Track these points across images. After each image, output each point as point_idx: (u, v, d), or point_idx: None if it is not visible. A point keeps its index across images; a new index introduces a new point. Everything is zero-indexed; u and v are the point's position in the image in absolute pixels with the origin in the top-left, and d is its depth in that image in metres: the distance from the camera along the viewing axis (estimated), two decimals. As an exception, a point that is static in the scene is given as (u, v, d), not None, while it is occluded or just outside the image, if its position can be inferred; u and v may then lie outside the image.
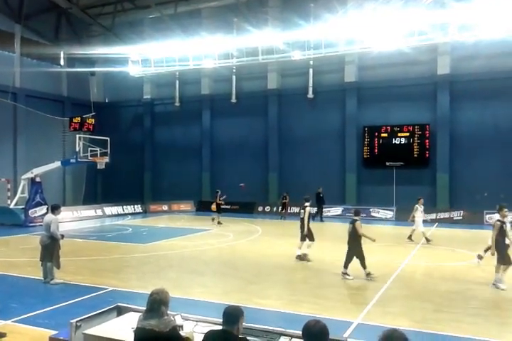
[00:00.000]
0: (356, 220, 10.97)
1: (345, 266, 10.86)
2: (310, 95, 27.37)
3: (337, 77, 27.08)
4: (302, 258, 12.94)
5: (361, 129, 26.09)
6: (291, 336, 4.29)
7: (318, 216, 23.65)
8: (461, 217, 23.20)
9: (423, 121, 24.83)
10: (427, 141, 24.61)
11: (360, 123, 26.21)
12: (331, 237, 17.69)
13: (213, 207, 22.84)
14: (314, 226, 21.85)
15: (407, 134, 25.00)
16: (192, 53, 27.14)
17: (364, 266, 10.70)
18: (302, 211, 13.17)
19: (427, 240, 16.28)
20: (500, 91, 23.16)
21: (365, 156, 26.05)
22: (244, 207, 27.95)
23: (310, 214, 13.29)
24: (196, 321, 4.76)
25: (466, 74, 23.76)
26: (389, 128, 25.42)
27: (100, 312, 4.88)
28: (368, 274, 10.62)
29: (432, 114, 24.84)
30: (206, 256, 13.94)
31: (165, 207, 29.44)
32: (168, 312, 4.08)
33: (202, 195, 30.51)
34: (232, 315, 3.77)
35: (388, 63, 25.25)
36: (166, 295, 4.05)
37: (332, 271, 11.55)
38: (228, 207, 28.14)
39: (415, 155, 24.89)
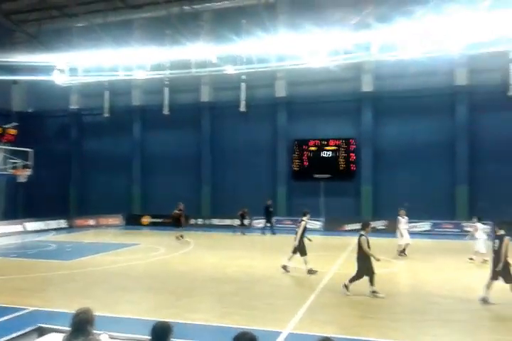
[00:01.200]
0: (362, 235, 10.69)
1: (351, 281, 10.56)
2: (242, 109, 27.77)
3: (268, 91, 27.75)
4: (312, 272, 12.73)
5: (291, 143, 26.84)
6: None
7: (267, 229, 23.90)
8: (384, 227, 24.41)
9: (348, 136, 26.02)
10: (352, 154, 25.80)
11: (290, 136, 26.95)
12: (261, 248, 17.93)
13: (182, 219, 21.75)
14: (264, 239, 22.43)
15: (334, 148, 26.07)
16: (123, 63, 26.59)
17: (371, 283, 10.35)
18: (298, 224, 13.34)
19: (401, 252, 16.14)
20: (419, 108, 24.86)
21: (295, 169, 26.77)
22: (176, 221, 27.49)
23: (305, 228, 13.14)
24: (123, 339, 4.65)
25: (388, 92, 25.30)
26: (317, 142, 26.37)
27: (20, 335, 4.63)
28: (373, 292, 10.27)
29: (357, 128, 26.14)
30: (135, 271, 13.58)
31: (92, 222, 28.28)
32: (94, 331, 3.96)
33: (131, 209, 29.73)
34: (161, 331, 3.72)
35: (316, 80, 26.26)
36: (92, 314, 3.94)
37: (263, 282, 11.71)
38: (160, 220, 27.67)
39: (341, 168, 25.96)
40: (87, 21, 28.11)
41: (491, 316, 8.88)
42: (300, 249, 12.82)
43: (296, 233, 13.16)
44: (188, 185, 28.70)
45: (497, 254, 9.61)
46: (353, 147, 25.82)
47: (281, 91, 27.43)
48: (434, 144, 24.79)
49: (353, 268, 13.73)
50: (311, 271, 12.76)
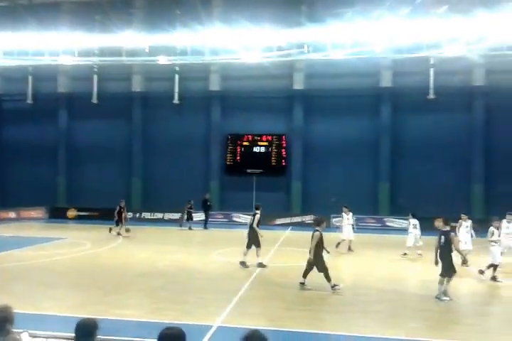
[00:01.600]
0: (316, 230, 10.65)
1: (304, 276, 10.60)
2: (176, 101, 27.35)
3: (202, 84, 27.53)
4: (262, 265, 12.96)
5: (225, 137, 26.89)
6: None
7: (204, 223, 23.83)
8: (312, 221, 25.23)
9: (280, 132, 26.55)
10: (283, 150, 26.37)
11: (224, 131, 26.98)
12: (193, 243, 17.90)
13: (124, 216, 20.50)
14: (196, 234, 22.22)
15: (266, 143, 26.50)
16: (48, 48, 25.17)
17: (328, 279, 10.32)
18: (252, 218, 13.32)
19: (345, 247, 16.58)
20: (347, 107, 25.87)
21: (228, 163, 26.88)
22: (104, 214, 26.52)
23: (259, 221, 13.20)
24: (46, 338, 4.49)
25: (318, 90, 26.04)
26: (250, 137, 26.65)
27: None
28: (333, 286, 10.27)
29: (288, 125, 26.72)
30: (60, 266, 13.03)
31: (12, 215, 26.64)
32: (14, 330, 3.80)
33: (56, 201, 28.34)
34: (85, 328, 3.58)
35: (250, 75, 26.44)
36: (10, 312, 3.76)
37: (194, 276, 11.73)
38: (87, 213, 26.67)
39: (273, 164, 26.46)
40: (9, 1, 26.28)
41: (410, 306, 9.52)
42: (255, 242, 13.03)
43: (250, 227, 13.24)
44: (118, 177, 27.86)
45: (442, 250, 9.84)
46: (284, 143, 26.37)
47: (215, 84, 27.34)
48: (360, 142, 25.95)
49: (283, 261, 14.20)
50: (244, 264, 12.99)
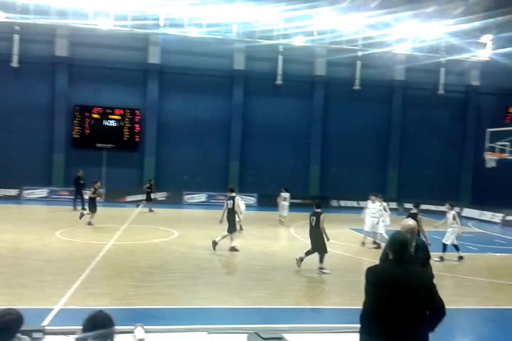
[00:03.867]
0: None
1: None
2: (15, 64, 24.44)
3: (47, 48, 25.00)
4: (235, 249, 12.48)
5: (72, 108, 25.00)
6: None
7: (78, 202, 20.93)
8: (165, 198, 25.22)
9: (134, 106, 25.68)
10: (137, 125, 25.61)
11: (71, 101, 25.04)
12: (32, 222, 16.55)
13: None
14: (37, 211, 20.18)
15: (119, 117, 25.42)
16: None
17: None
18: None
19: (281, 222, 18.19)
20: (202, 86, 26.10)
21: (75, 136, 25.13)
22: None
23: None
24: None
25: (175, 67, 25.71)
26: (101, 109, 25.25)
27: None
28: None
29: (143, 100, 25.97)
30: None
31: None
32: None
33: None
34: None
35: (103, 44, 24.84)
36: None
37: (31, 258, 10.93)
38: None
39: (125, 139, 25.57)
40: None
41: (253, 277, 10.28)
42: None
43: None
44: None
45: (313, 230, 10.66)
46: (138, 118, 25.61)
47: (62, 50, 25.04)
48: (213, 121, 26.55)
49: (133, 238, 14.01)
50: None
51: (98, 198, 17.02)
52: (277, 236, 15.85)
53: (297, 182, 25.73)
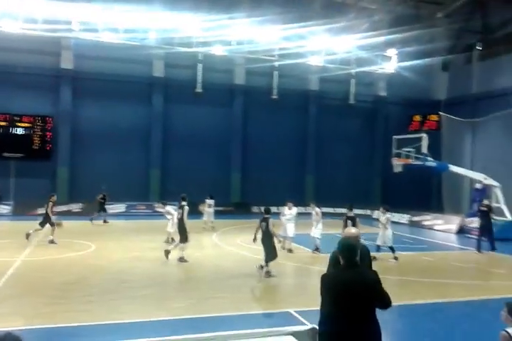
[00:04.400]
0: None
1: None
2: None
3: None
4: (184, 260, 12.34)
5: (-26, 115, 23.15)
6: None
7: None
8: (80, 209, 24.09)
9: (46, 113, 24.37)
10: (49, 133, 24.32)
11: (-27, 107, 23.20)
12: None
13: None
14: None
15: (28, 125, 24.01)
16: None
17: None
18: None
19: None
20: (120, 93, 25.43)
21: (-21, 145, 23.29)
22: None
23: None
24: None
25: (90, 73, 24.80)
26: (8, 116, 23.68)
27: None
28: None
29: (55, 107, 24.76)
30: None
31: None
32: None
33: None
34: None
35: (11, 47, 23.34)
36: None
37: None
38: None
39: (36, 148, 24.16)
40: None
41: (175, 288, 10.16)
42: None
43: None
44: None
45: (265, 234, 11.01)
46: (50, 126, 24.33)
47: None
48: (132, 129, 25.94)
49: (43, 253, 13.25)
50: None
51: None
52: (200, 244, 15.76)
53: (219, 189, 25.80)
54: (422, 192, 28.98)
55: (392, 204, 25.69)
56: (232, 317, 8.00)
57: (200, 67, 26.78)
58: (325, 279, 4.11)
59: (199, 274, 11.42)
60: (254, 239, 11.32)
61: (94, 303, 8.70)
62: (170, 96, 26.49)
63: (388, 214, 13.98)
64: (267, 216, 11.13)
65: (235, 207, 26.47)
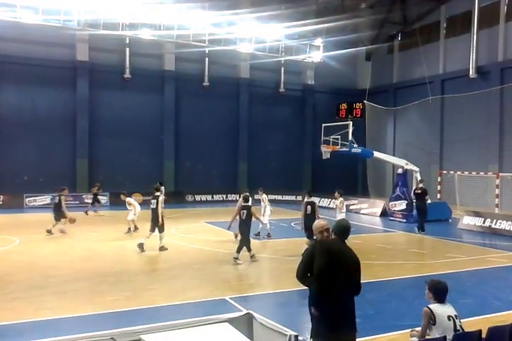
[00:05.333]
0: (251, 206, 11.49)
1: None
2: None
3: None
4: (142, 247, 12.40)
5: None
6: None
7: None
8: (0, 202, 22.66)
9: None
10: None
11: None
12: None
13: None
14: None
15: None
16: None
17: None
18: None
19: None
20: (40, 77, 23.94)
21: None
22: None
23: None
24: None
25: (5, 56, 23.11)
26: None
27: None
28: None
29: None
30: None
31: None
32: None
33: None
34: None
35: None
36: None
37: None
38: None
39: None
40: None
41: (107, 281, 9.91)
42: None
43: (152, 210, 12.52)
44: None
45: (243, 222, 11.45)
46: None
47: None
48: (56, 117, 24.68)
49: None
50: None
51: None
52: (133, 235, 15.43)
53: (151, 178, 25.26)
54: (348, 178, 30.26)
55: (321, 189, 26.71)
56: (168, 308, 8.00)
57: (127, 51, 25.83)
58: (318, 245, 4.66)
59: (133, 266, 11.23)
60: (229, 227, 11.90)
61: (19, 300, 8.32)
62: (96, 81, 25.36)
63: (341, 198, 14.47)
64: (246, 204, 11.45)
65: (169, 196, 26.12)
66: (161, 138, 27.03)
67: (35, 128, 23.97)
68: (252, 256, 11.47)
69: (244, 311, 4.98)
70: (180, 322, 4.61)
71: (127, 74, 26.01)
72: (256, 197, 17.15)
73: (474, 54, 24.46)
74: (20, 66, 23.42)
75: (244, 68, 29.18)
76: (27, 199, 23.15)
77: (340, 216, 14.08)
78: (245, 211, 11.34)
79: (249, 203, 11.57)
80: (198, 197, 26.78)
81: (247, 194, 11.94)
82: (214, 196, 27.12)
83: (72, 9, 21.73)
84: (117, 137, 25.66)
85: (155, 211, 12.48)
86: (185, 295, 8.70)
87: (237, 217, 11.71)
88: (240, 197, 15.46)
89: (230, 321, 4.67)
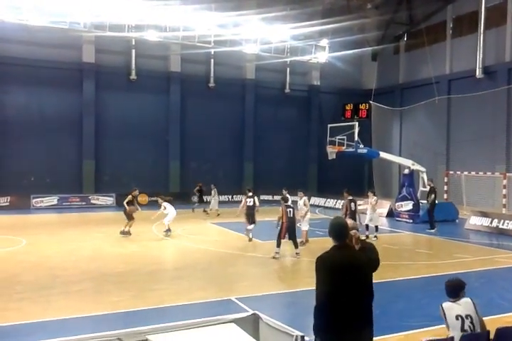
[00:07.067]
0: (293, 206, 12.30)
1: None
2: None
3: None
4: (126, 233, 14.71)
5: None
6: None
7: None
8: (8, 203, 22.78)
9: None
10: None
11: None
12: None
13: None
14: None
15: None
16: None
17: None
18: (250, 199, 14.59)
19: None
20: (47, 79, 24.07)
21: None
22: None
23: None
24: None
25: (12, 58, 23.24)
26: None
27: None
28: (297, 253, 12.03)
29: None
30: None
31: None
32: None
33: None
34: None
35: None
36: None
37: None
38: None
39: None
40: None
41: (113, 281, 9.94)
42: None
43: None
44: None
45: (292, 220, 12.11)
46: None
47: None
48: (63, 118, 24.77)
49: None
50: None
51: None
52: (138, 236, 15.46)
53: (157, 179, 25.43)
54: (354, 178, 30.15)
55: (328, 190, 26.67)
56: (174, 308, 8.00)
57: (133, 53, 25.92)
58: (318, 260, 3.98)
59: (139, 266, 11.25)
60: (278, 225, 12.14)
61: (26, 300, 8.36)
62: (102, 83, 25.46)
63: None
64: (288, 203, 12.22)
65: (174, 196, 26.16)
66: (166, 139, 27.08)
67: (41, 130, 24.09)
68: (297, 253, 12.06)
69: (251, 312, 4.97)
70: (187, 323, 4.60)
71: (133, 76, 26.10)
72: (294, 198, 16.18)
73: (481, 54, 24.32)
74: (27, 68, 23.55)
75: (250, 69, 29.19)
76: (34, 200, 23.28)
77: (375, 213, 15.43)
78: (291, 209, 12.06)
79: (290, 203, 12.40)
80: (204, 198, 26.69)
81: (287, 196, 13.00)
82: (219, 197, 27.09)
83: (78, 11, 21.82)
84: (123, 138, 25.74)
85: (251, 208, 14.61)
86: (191, 296, 8.70)
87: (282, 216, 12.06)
88: (245, 195, 15.57)
89: (236, 321, 4.66)
